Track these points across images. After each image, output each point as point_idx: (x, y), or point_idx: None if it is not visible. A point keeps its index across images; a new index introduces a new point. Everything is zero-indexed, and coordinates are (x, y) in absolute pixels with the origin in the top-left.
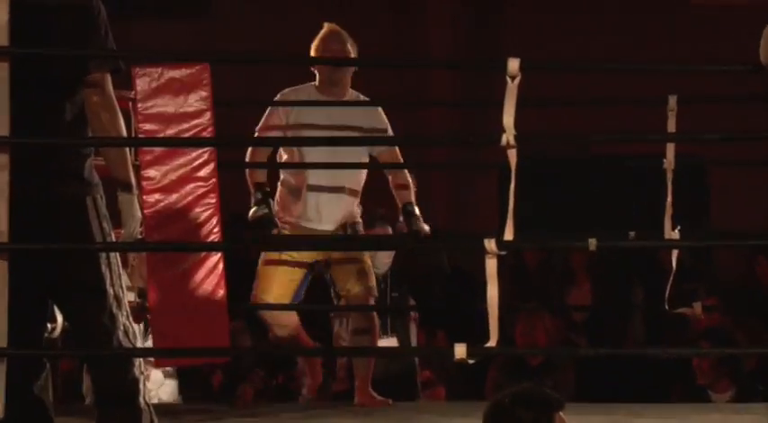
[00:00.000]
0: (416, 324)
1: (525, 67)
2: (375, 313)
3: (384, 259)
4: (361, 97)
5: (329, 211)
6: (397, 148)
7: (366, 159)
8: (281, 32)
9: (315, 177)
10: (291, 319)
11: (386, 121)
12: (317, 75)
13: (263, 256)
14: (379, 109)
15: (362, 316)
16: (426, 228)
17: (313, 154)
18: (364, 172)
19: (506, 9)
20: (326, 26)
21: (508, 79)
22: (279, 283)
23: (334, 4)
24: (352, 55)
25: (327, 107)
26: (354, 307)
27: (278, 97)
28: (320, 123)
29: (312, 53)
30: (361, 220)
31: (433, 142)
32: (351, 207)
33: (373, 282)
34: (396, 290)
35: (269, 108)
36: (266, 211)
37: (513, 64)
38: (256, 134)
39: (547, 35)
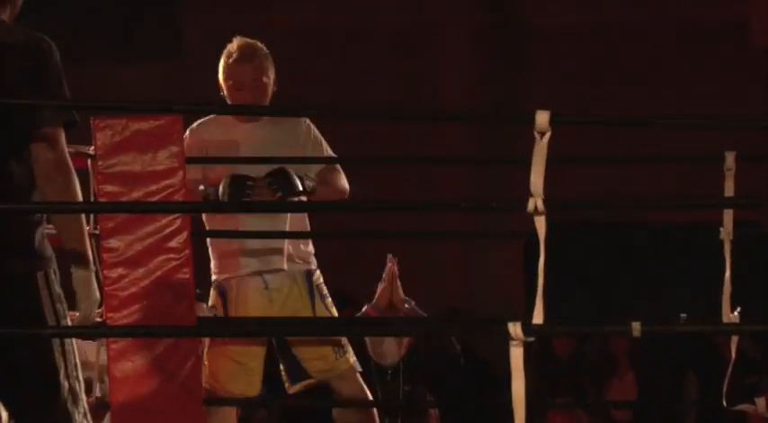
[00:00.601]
0: None
1: (557, 122)
2: (375, 409)
3: (392, 349)
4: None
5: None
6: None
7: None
8: None
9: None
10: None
11: (312, 132)
12: (228, 100)
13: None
14: (304, 120)
15: (357, 412)
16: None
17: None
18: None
19: (531, 59)
20: (234, 43)
21: (536, 135)
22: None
23: (320, 45)
24: (267, 72)
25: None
26: (354, 401)
27: (190, 133)
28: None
29: (220, 75)
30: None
31: (446, 207)
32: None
33: (350, 352)
34: (408, 383)
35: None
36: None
37: (543, 117)
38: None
39: (575, 82)
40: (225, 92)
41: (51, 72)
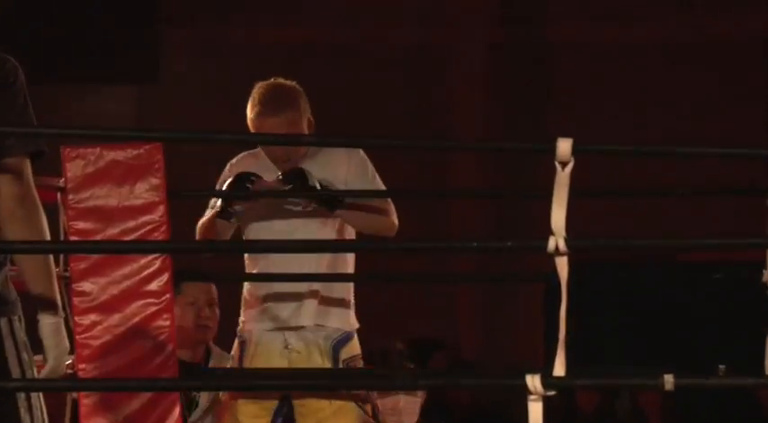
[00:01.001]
0: None
1: (579, 151)
2: None
3: (411, 418)
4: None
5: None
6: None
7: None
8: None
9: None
10: None
11: (359, 167)
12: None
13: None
14: (354, 155)
15: None
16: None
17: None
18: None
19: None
20: (257, 91)
21: (558, 165)
22: None
23: (311, 63)
24: (299, 121)
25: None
26: None
27: (234, 161)
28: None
29: (249, 125)
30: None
31: (457, 249)
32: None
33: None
34: None
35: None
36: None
37: (565, 146)
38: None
39: (600, 105)
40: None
41: (15, 95)
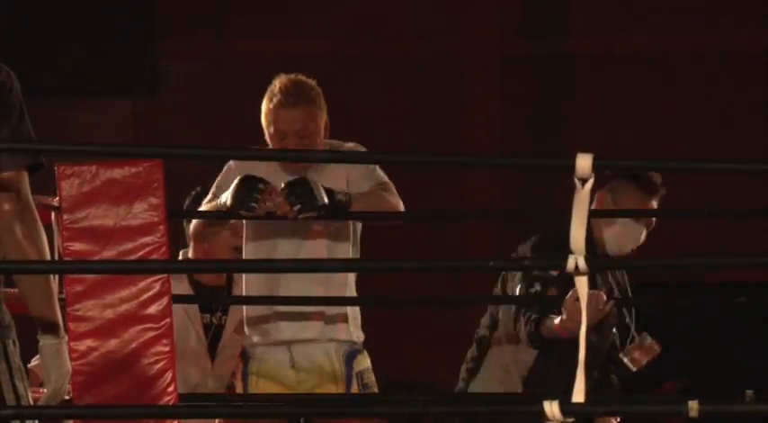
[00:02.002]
0: None
1: (599, 167)
2: None
3: None
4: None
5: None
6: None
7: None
8: (237, 112)
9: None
10: None
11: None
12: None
13: None
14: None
15: None
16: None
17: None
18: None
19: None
20: (277, 82)
21: (577, 182)
22: None
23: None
24: (316, 118)
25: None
26: None
27: (231, 165)
28: None
29: (262, 118)
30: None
31: (471, 268)
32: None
33: None
34: None
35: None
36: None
37: (585, 162)
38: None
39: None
40: (267, 138)
41: (11, 107)
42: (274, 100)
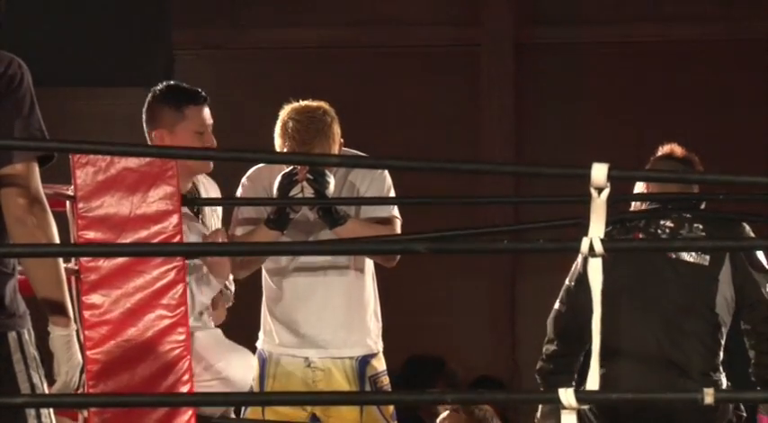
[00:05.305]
0: None
1: (615, 178)
2: None
3: None
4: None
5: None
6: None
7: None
8: (253, 102)
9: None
10: None
11: (375, 183)
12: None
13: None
14: (376, 173)
15: None
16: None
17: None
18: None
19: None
20: (286, 113)
21: (593, 192)
22: None
23: (329, 65)
24: (328, 150)
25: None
26: None
27: (250, 174)
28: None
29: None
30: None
31: (487, 251)
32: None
33: None
34: None
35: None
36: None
37: (600, 171)
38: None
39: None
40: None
41: (21, 98)
42: (288, 141)
